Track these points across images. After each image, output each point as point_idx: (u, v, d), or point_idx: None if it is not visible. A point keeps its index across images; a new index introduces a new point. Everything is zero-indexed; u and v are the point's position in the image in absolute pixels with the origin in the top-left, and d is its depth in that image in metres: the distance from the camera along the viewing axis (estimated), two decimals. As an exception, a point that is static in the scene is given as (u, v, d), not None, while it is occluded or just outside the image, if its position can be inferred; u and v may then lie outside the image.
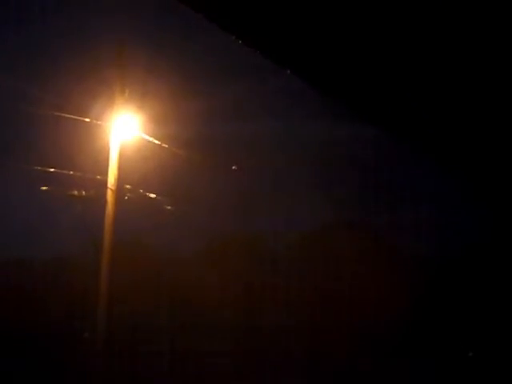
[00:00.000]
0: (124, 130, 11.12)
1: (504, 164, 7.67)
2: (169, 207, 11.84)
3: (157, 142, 11.23)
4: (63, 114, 11.26)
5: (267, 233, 15.03)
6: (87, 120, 11.14)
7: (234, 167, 10.59)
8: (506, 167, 7.63)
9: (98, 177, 11.16)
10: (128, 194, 11.21)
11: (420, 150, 8.62)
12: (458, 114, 7.80)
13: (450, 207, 15.43)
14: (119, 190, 11.10)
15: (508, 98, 7.17)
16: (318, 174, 12.88)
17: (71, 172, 11.43)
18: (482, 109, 7.53)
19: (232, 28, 7.29)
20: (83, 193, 11.28)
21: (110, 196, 11.04)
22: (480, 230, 13.32)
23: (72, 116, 11.16)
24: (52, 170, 11.47)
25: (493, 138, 7.77)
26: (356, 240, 15.44)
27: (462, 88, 7.75)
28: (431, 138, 8.38)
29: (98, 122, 11.10)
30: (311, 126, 12.58)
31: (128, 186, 11.29)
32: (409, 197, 15.12)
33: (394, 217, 14.95)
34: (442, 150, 8.37)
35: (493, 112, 7.53)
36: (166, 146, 11.35)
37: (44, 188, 11.55)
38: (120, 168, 11.06)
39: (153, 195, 11.64)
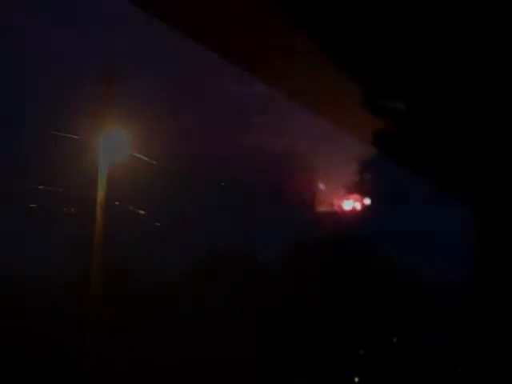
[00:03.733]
0: (113, 148, 11.17)
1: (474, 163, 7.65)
2: (157, 223, 11.89)
3: (145, 158, 11.30)
4: (52, 132, 11.34)
5: (255, 247, 15.24)
6: (76, 137, 11.22)
7: (222, 183, 10.65)
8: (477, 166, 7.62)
9: (87, 193, 11.21)
10: (117, 211, 11.26)
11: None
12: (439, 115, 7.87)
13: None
14: (108, 206, 11.13)
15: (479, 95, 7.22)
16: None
17: (60, 189, 11.50)
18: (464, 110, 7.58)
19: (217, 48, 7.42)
20: (72, 210, 11.35)
21: (99, 213, 11.07)
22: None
23: (61, 133, 11.24)
24: (41, 187, 11.55)
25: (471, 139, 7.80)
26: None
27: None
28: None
29: (88, 140, 11.16)
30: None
31: (117, 203, 11.34)
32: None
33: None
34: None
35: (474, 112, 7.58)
36: (155, 162, 11.42)
37: (33, 205, 11.62)
38: (109, 185, 11.09)
39: (142, 211, 11.70)
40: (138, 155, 11.21)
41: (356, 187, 9.73)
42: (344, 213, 10.25)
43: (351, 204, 10.19)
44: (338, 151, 9.59)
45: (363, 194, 9.73)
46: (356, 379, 15.16)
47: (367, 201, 9.92)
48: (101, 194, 11.15)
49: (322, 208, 10.39)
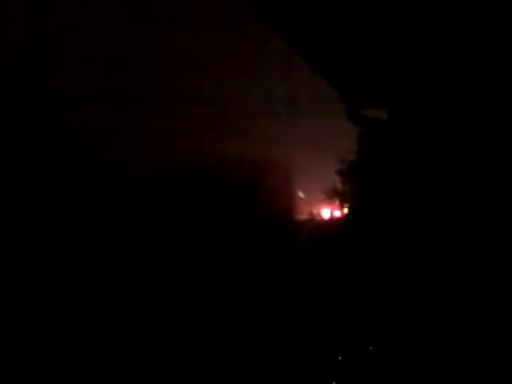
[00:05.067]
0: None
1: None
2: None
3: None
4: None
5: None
6: None
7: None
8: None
9: None
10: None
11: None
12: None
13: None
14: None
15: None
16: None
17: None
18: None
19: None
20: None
21: None
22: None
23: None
24: None
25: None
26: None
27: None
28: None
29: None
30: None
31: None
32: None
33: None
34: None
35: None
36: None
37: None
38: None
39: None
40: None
41: (338, 194, 9.59)
42: (323, 221, 10.11)
43: (330, 212, 10.05)
44: (319, 157, 9.45)
45: (345, 200, 9.58)
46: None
47: (347, 208, 9.77)
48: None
49: (301, 216, 10.23)
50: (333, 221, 9.77)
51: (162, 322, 8.68)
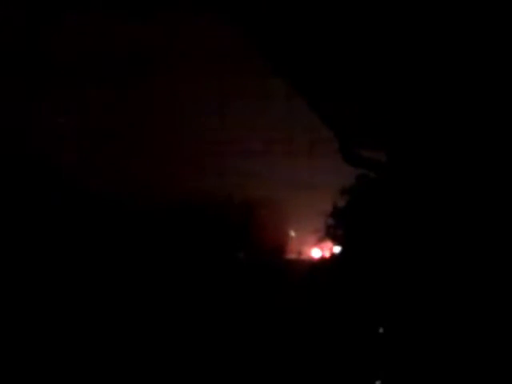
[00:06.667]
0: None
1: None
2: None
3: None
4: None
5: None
6: None
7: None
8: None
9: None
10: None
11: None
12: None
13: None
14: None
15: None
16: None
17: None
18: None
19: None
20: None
21: None
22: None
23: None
24: None
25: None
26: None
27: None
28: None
29: None
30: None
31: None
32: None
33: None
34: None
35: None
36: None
37: None
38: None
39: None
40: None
41: (329, 235, 9.61)
42: (312, 261, 10.12)
43: (320, 252, 10.06)
44: (312, 198, 9.49)
45: (336, 241, 9.60)
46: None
47: (337, 249, 9.79)
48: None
49: (291, 256, 10.25)
50: (323, 261, 9.78)
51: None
